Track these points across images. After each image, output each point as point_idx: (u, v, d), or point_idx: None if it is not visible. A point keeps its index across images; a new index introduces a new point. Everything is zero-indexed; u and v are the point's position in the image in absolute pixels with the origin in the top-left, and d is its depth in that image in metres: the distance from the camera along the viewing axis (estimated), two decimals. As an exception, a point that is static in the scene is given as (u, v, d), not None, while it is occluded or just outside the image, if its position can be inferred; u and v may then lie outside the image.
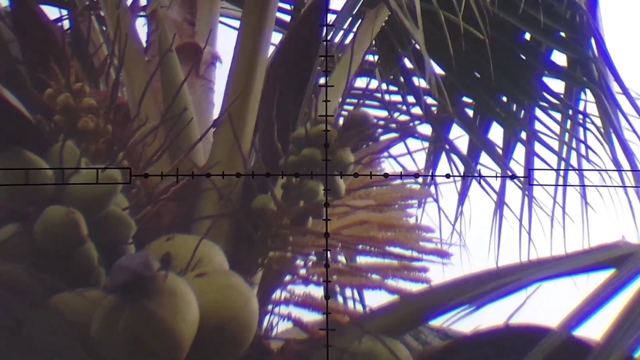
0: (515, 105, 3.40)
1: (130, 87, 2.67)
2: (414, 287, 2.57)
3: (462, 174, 3.24)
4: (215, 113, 2.85)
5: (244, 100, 2.62)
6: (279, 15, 3.60)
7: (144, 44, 2.90)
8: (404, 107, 3.38)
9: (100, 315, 2.04)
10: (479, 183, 2.16)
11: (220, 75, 2.95)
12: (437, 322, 2.50)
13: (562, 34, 3.36)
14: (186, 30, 2.89)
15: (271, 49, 2.81)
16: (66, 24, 3.03)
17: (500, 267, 2.53)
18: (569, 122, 3.38)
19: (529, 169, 1.98)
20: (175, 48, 2.72)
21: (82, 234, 2.10)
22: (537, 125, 3.42)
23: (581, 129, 3.38)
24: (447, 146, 3.27)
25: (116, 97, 2.30)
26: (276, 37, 3.20)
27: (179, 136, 2.46)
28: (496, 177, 2.04)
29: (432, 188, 3.14)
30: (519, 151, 3.32)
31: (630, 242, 2.28)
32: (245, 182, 2.55)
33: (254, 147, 2.61)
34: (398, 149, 3.05)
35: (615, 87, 3.35)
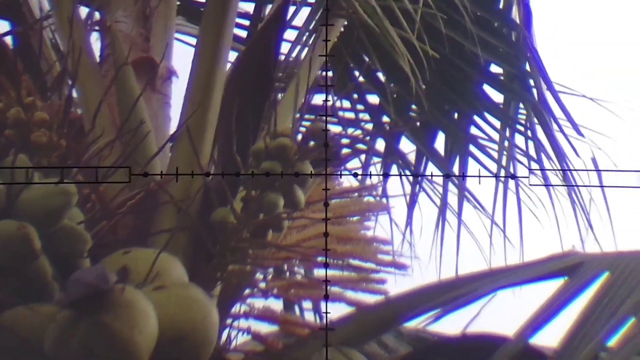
0: (457, 114, 3.51)
1: (84, 101, 2.64)
2: (372, 299, 2.59)
3: (443, 174, 3.29)
4: (172, 127, 2.84)
5: (202, 114, 2.62)
6: (236, 31, 3.62)
7: (98, 59, 2.89)
8: (360, 122, 3.43)
9: (54, 331, 2.00)
10: (479, 182, 2.21)
11: (177, 91, 2.95)
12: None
13: (500, 49, 3.48)
14: (141, 45, 2.89)
15: (228, 66, 2.83)
16: (16, 37, 3.00)
17: (456, 277, 2.56)
18: (507, 129, 3.48)
19: (529, 169, 2.02)
20: (131, 62, 2.72)
21: (34, 248, 2.07)
22: (478, 132, 3.52)
23: (521, 138, 3.48)
24: (399, 160, 3.34)
25: (69, 111, 2.28)
26: (233, 55, 3.23)
27: (136, 150, 2.44)
28: (496, 176, 2.08)
29: (385, 201, 3.18)
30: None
31: (580, 251, 2.34)
32: (204, 195, 2.54)
33: (212, 161, 2.61)
34: (352, 163, 3.08)
35: (551, 98, 3.47)
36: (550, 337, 2.12)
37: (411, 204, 3.25)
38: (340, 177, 2.32)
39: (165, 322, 2.11)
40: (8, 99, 2.28)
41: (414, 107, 3.43)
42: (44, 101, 2.34)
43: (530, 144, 3.42)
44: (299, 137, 2.61)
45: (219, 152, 2.61)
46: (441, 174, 3.43)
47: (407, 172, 3.36)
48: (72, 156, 2.21)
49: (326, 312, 2.08)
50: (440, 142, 3.53)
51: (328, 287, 2.32)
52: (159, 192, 2.49)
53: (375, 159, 3.45)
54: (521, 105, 3.55)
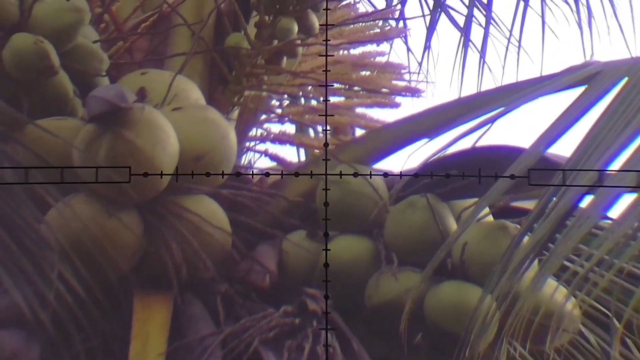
0: None
1: None
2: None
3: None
4: None
5: None
6: None
7: None
8: None
9: (80, 143, 2.03)
10: (479, 181, 2.15)
11: None
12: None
13: None
14: None
15: None
16: None
17: (472, 94, 2.55)
18: None
19: (529, 169, 1.99)
20: None
21: (53, 63, 2.07)
22: None
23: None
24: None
25: None
26: None
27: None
28: (496, 177, 2.05)
29: (401, 25, 3.11)
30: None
31: (597, 61, 2.30)
32: (217, 20, 2.51)
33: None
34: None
35: None
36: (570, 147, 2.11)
37: (430, 27, 3.16)
38: (341, 177, 2.27)
39: (184, 141, 2.14)
40: None
41: None
42: None
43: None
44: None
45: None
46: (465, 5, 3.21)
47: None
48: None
49: (326, 312, 2.10)
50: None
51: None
52: (172, 15, 2.45)
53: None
54: None
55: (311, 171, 2.26)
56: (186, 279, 2.12)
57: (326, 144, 2.31)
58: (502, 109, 2.18)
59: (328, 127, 2.62)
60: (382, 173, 2.33)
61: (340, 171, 2.26)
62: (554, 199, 1.91)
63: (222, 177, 2.20)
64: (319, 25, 2.48)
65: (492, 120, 2.16)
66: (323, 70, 2.59)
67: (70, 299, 1.86)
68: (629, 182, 1.77)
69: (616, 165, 1.87)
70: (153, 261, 2.13)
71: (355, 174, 2.27)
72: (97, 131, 2.00)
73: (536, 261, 2.06)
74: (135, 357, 2.00)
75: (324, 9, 2.46)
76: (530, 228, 1.98)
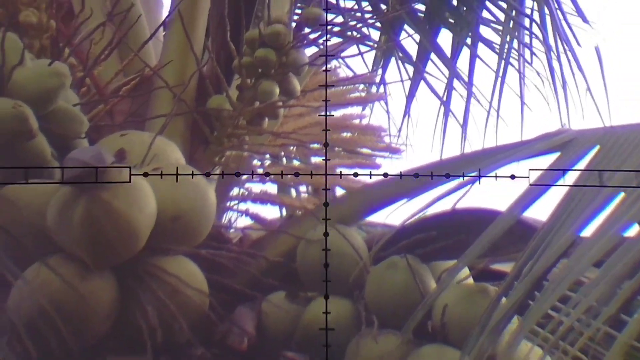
0: (464, 9, 3.42)
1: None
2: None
3: (410, 81, 3.27)
4: (164, 14, 2.82)
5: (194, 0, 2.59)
6: None
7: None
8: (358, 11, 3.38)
9: (55, 206, 2.03)
10: (479, 182, 2.20)
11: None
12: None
13: None
14: None
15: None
16: None
17: (450, 157, 2.58)
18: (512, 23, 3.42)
19: (530, 169, 2.04)
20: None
21: (31, 127, 2.08)
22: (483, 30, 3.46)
23: (526, 35, 3.43)
24: (398, 52, 3.30)
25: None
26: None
27: (127, 35, 2.43)
28: (496, 177, 2.09)
29: (382, 90, 3.18)
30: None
31: (570, 129, 2.35)
32: (199, 83, 2.54)
33: (206, 48, 2.60)
34: (349, 51, 3.06)
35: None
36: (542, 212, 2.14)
37: (410, 93, 3.24)
38: (341, 177, 2.31)
39: (161, 201, 2.14)
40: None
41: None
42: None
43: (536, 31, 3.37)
44: (293, 25, 2.59)
45: (212, 39, 2.59)
46: (445, 76, 3.34)
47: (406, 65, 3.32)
48: (63, 39, 2.19)
49: (326, 312, 2.11)
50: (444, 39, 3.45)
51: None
52: (154, 78, 2.49)
53: (374, 53, 3.41)
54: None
55: (311, 171, 2.27)
56: (161, 342, 2.09)
57: (326, 144, 2.30)
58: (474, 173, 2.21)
59: (309, 188, 2.64)
60: (382, 174, 2.31)
61: (341, 171, 2.26)
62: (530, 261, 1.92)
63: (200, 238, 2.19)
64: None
65: (470, 182, 2.19)
66: (304, 133, 2.63)
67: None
68: (600, 250, 1.79)
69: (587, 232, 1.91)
70: (127, 325, 2.10)
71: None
72: (73, 193, 2.00)
73: (515, 321, 2.05)
74: None
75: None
76: (508, 289, 1.98)
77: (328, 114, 2.69)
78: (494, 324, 1.92)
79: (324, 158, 2.23)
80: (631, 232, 1.82)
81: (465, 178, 2.16)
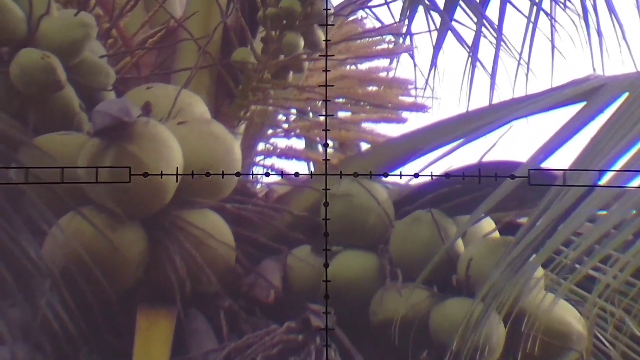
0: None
1: None
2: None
3: (438, 28, 3.16)
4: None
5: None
6: None
7: None
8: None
9: (84, 157, 2.04)
10: (479, 181, 2.16)
11: None
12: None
13: None
14: None
15: None
16: None
17: (476, 109, 2.55)
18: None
19: (529, 169, 2.01)
20: None
21: (59, 78, 2.08)
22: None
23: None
24: (426, 0, 3.23)
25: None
26: None
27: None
28: (495, 177, 2.05)
29: (408, 41, 3.12)
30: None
31: (600, 75, 2.29)
32: (223, 35, 2.52)
33: (230, -1, 2.57)
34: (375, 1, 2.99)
35: None
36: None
37: (437, 45, 3.17)
38: (341, 177, 2.28)
39: (188, 155, 2.14)
40: None
41: None
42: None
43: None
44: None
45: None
46: (474, 23, 3.26)
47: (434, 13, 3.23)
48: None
49: (326, 312, 2.10)
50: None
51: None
52: (179, 30, 2.46)
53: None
54: None
55: (311, 171, 2.27)
56: (190, 293, 2.11)
57: (326, 144, 2.29)
58: (498, 120, 2.18)
59: (330, 142, 2.62)
60: (382, 174, 2.31)
61: (341, 171, 2.25)
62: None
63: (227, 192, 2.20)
64: (324, 40, 2.49)
65: (487, 132, 2.16)
66: (327, 85, 2.60)
67: (73, 313, 1.86)
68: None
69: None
70: (157, 276, 2.13)
71: (361, 175, 2.24)
72: (101, 145, 2.01)
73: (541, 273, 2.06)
74: (137, 371, 1.99)
75: (330, 24, 2.47)
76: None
77: (353, 67, 2.66)
78: (508, 264, 1.92)
79: (324, 158, 2.22)
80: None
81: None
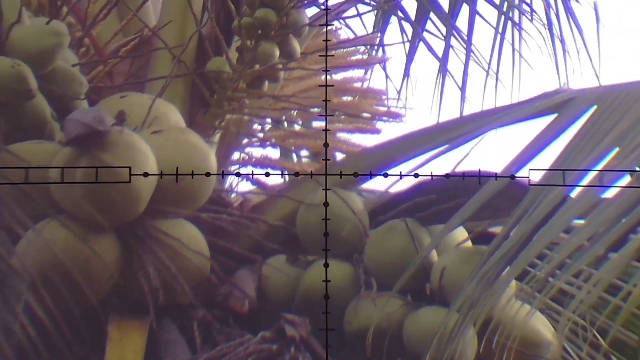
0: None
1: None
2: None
3: (408, 44, 3.21)
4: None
5: (193, -41, 2.56)
6: None
7: None
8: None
9: (57, 166, 2.03)
10: (479, 181, 2.17)
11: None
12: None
13: None
14: None
15: None
16: None
17: (449, 120, 2.56)
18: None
19: (530, 169, 2.03)
20: None
21: (30, 86, 2.06)
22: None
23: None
24: (398, 12, 3.26)
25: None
26: None
27: (125, -3, 2.40)
28: (495, 177, 2.07)
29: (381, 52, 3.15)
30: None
31: (571, 88, 2.33)
32: (198, 44, 2.52)
33: (206, 8, 2.57)
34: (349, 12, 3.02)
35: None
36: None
37: (409, 55, 3.21)
38: (341, 177, 2.29)
39: (163, 164, 2.13)
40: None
41: None
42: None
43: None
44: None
45: (211, 0, 2.56)
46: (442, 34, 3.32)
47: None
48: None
49: (326, 312, 2.10)
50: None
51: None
52: (153, 38, 2.46)
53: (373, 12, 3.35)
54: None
55: (311, 171, 2.26)
56: (163, 304, 2.10)
57: (326, 144, 2.29)
58: (469, 132, 2.20)
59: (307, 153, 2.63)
60: (382, 173, 2.31)
61: (341, 171, 2.26)
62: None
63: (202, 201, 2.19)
64: (323, 40, 2.48)
65: (462, 143, 2.18)
66: (304, 96, 2.61)
67: (45, 324, 1.84)
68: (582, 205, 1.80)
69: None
70: (130, 286, 2.11)
71: (355, 174, 2.26)
72: (74, 154, 1.99)
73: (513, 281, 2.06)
74: (110, 382, 1.97)
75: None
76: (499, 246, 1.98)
77: (329, 79, 2.67)
78: (483, 275, 1.93)
79: (324, 158, 2.22)
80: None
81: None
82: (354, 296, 2.30)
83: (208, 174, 2.12)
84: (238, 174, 2.50)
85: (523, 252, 1.86)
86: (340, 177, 2.28)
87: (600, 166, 1.87)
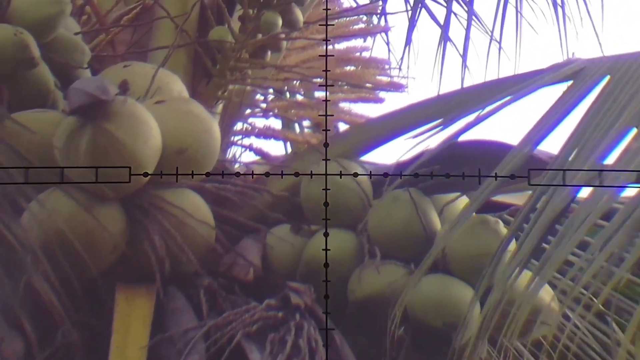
0: None
1: None
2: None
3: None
4: None
5: None
6: None
7: None
8: None
9: (61, 136, 2.02)
10: (479, 181, 2.15)
11: None
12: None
13: None
14: None
15: None
16: None
17: (461, 89, 2.55)
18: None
19: (529, 169, 2.00)
20: None
21: (33, 54, 2.05)
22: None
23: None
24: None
25: None
26: None
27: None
28: (495, 177, 2.05)
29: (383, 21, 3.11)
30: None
31: (580, 58, 2.31)
32: (201, 13, 2.50)
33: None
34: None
35: None
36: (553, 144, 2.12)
37: (411, 22, 3.17)
38: (341, 178, 2.27)
39: (167, 134, 2.13)
40: None
41: None
42: None
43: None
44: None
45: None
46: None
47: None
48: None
49: (326, 313, 2.10)
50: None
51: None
52: (155, 7, 2.44)
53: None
54: None
55: (311, 171, 2.26)
56: (169, 272, 2.11)
57: (326, 144, 2.29)
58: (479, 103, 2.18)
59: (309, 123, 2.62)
60: (382, 173, 2.32)
61: (340, 171, 2.26)
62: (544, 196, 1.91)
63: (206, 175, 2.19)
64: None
65: (467, 115, 2.16)
66: (306, 66, 2.60)
67: (51, 293, 1.85)
68: (625, 179, 1.78)
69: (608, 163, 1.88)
70: (136, 255, 2.12)
71: (356, 174, 2.27)
72: (78, 124, 1.98)
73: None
74: (116, 350, 1.99)
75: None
76: (519, 227, 1.98)
77: (329, 49, 2.65)
78: (499, 253, 1.93)
79: (324, 158, 2.21)
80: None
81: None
82: (357, 265, 2.31)
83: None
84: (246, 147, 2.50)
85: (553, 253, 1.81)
86: (340, 177, 2.27)
87: (619, 149, 1.85)
